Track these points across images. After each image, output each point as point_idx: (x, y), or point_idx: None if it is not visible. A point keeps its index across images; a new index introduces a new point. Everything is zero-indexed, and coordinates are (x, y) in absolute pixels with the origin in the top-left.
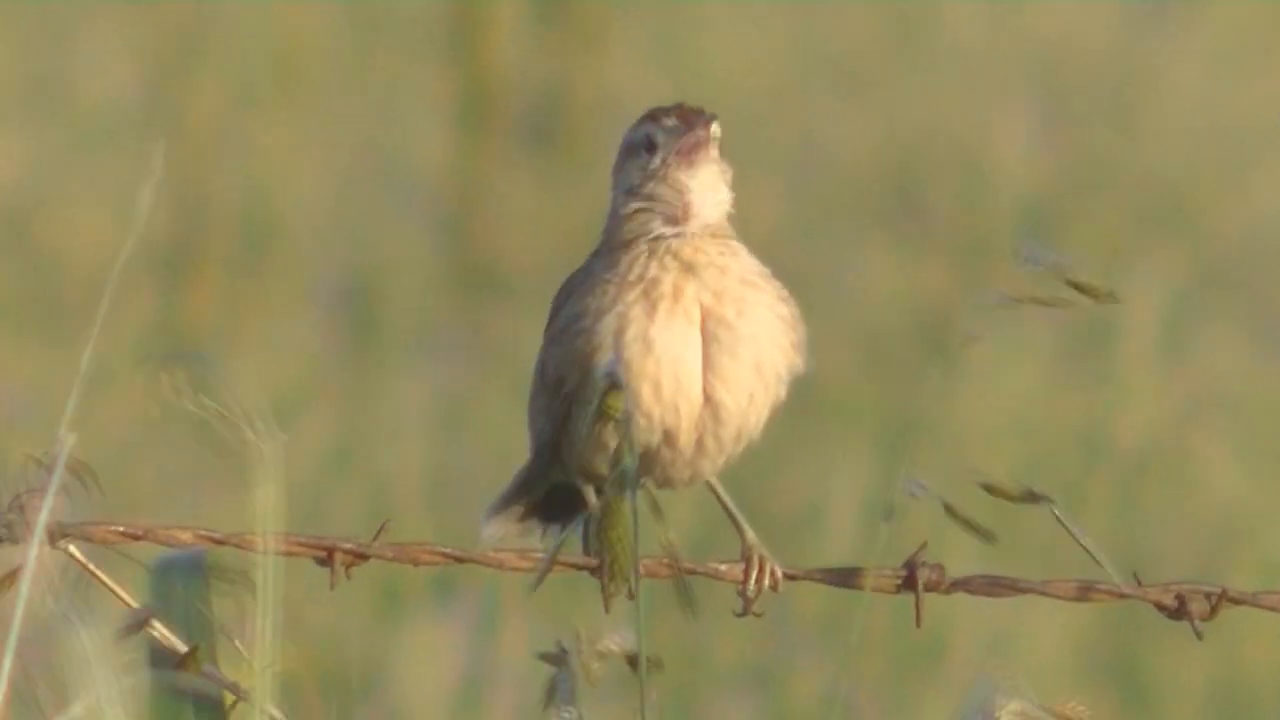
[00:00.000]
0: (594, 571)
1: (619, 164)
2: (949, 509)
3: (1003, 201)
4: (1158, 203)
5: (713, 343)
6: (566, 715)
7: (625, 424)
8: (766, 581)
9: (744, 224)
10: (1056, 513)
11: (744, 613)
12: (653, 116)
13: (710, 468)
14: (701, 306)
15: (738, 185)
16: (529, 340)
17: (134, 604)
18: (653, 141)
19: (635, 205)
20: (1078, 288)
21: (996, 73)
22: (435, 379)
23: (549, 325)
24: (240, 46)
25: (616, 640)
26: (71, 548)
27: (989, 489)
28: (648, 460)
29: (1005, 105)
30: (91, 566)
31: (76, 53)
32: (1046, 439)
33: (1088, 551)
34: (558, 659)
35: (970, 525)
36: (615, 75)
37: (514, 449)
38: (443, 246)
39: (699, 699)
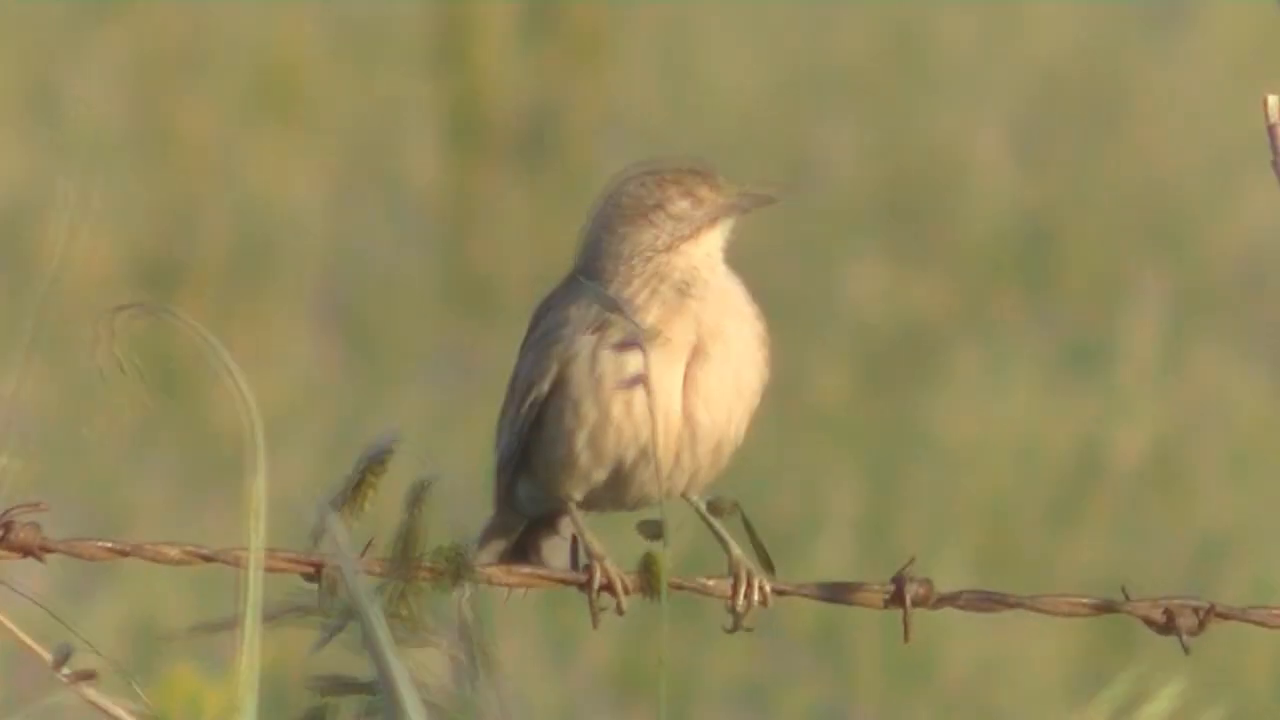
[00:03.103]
0: (582, 586)
1: (627, 216)
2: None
3: (996, 217)
4: (1151, 219)
5: (699, 361)
6: None
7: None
8: (755, 596)
9: (736, 238)
10: None
11: (734, 628)
12: (677, 181)
13: (686, 482)
14: (700, 323)
15: None
16: None
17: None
18: (679, 206)
19: (658, 263)
20: None
21: (991, 89)
22: (428, 395)
23: (527, 336)
24: (233, 63)
25: None
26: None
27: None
28: (622, 478)
29: (999, 121)
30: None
31: (70, 68)
32: (1041, 455)
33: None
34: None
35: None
36: (608, 90)
37: None
38: (436, 263)
39: (691, 715)
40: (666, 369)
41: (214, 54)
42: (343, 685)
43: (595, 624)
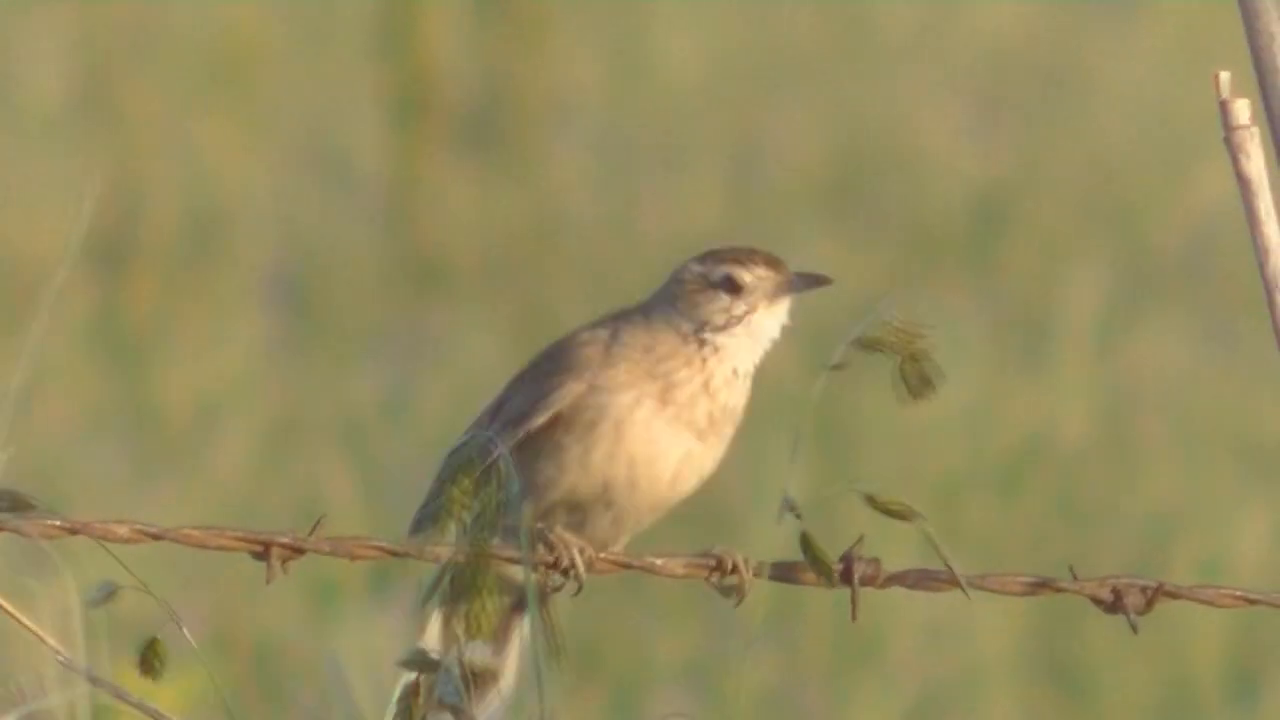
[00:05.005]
0: (535, 566)
1: (686, 294)
2: (871, 501)
3: (946, 196)
4: (1097, 198)
5: (704, 440)
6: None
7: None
8: (749, 572)
9: (689, 218)
10: (929, 530)
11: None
12: (735, 259)
13: (632, 531)
14: (720, 407)
15: (682, 179)
16: (469, 336)
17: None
18: (737, 284)
19: (712, 343)
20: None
21: (939, 68)
22: (376, 374)
23: (538, 366)
24: (181, 44)
25: (481, 653)
26: None
27: (872, 502)
28: (579, 519)
29: (948, 100)
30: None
31: (17, 49)
32: (986, 435)
33: (948, 565)
34: (427, 665)
35: (894, 513)
36: (555, 70)
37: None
38: (383, 242)
39: (640, 693)
40: (672, 445)
41: (163, 34)
42: (430, 663)
43: (545, 604)
